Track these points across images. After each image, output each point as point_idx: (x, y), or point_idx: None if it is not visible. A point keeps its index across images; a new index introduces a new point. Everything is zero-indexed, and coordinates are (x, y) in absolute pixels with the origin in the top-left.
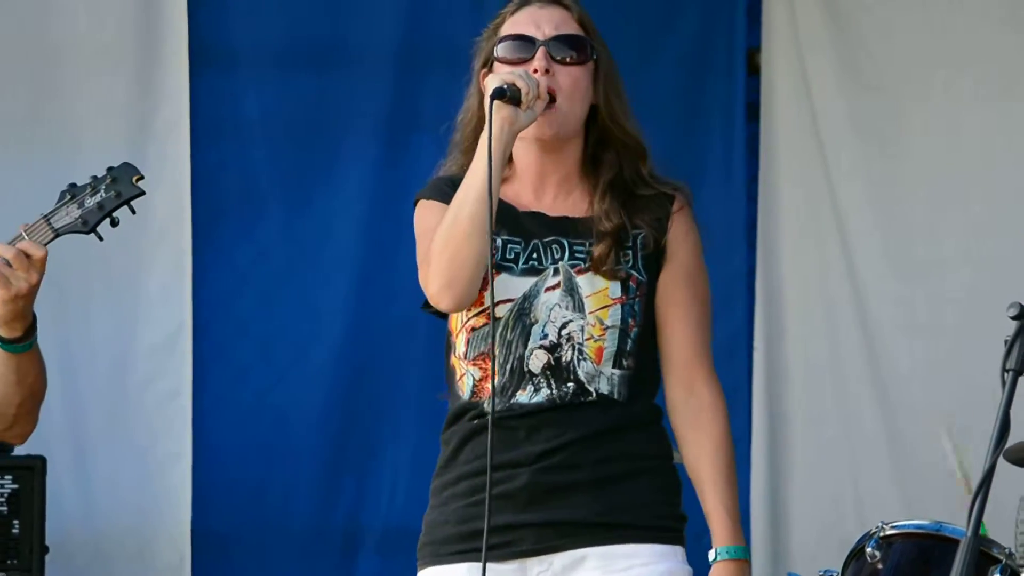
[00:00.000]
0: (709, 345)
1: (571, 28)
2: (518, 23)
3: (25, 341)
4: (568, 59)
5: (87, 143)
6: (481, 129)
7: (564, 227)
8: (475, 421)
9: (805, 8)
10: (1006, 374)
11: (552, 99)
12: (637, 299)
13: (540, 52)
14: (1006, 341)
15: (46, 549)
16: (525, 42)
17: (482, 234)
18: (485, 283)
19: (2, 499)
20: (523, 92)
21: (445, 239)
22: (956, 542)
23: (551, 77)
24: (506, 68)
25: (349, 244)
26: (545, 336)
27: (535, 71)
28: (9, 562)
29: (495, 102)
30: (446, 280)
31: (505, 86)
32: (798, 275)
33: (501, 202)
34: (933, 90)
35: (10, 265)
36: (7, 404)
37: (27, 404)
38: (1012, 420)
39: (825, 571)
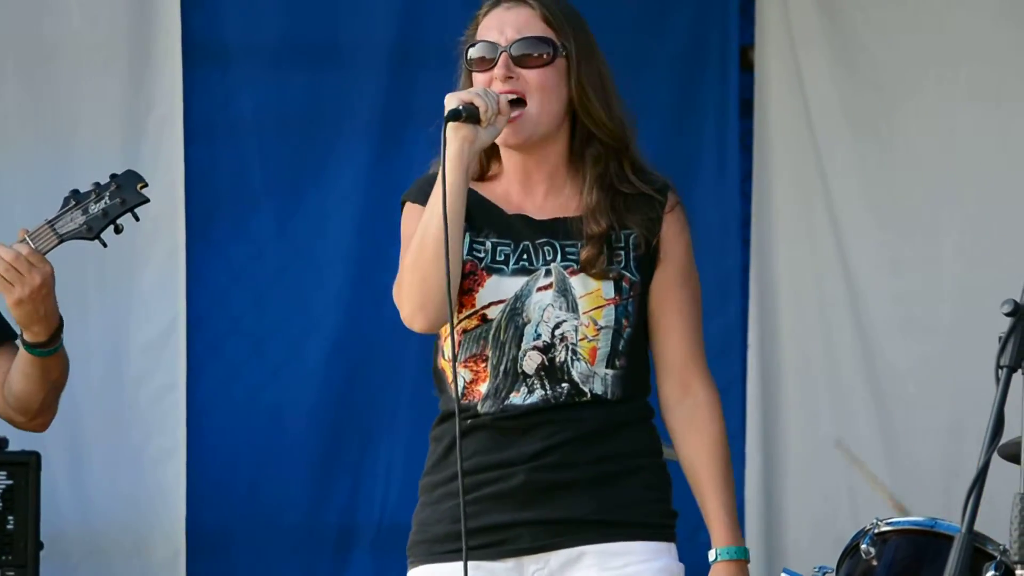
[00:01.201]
0: (703, 345)
1: (534, 29)
2: (486, 27)
3: (50, 347)
4: (531, 61)
5: (80, 141)
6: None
7: (555, 229)
8: (468, 421)
9: (798, 4)
10: (1000, 371)
11: (522, 103)
12: (630, 299)
13: (502, 59)
14: (1000, 338)
15: (41, 545)
16: (490, 47)
17: (454, 255)
18: (476, 283)
19: None
20: (481, 110)
21: (413, 262)
22: (951, 538)
23: (517, 81)
24: (477, 75)
25: (342, 241)
26: (538, 336)
27: (496, 79)
28: (4, 558)
29: (453, 123)
30: (418, 303)
31: (461, 107)
32: (792, 272)
33: (488, 203)
34: (927, 86)
35: (15, 269)
36: (31, 399)
37: (50, 397)
38: (1006, 416)
39: (820, 568)
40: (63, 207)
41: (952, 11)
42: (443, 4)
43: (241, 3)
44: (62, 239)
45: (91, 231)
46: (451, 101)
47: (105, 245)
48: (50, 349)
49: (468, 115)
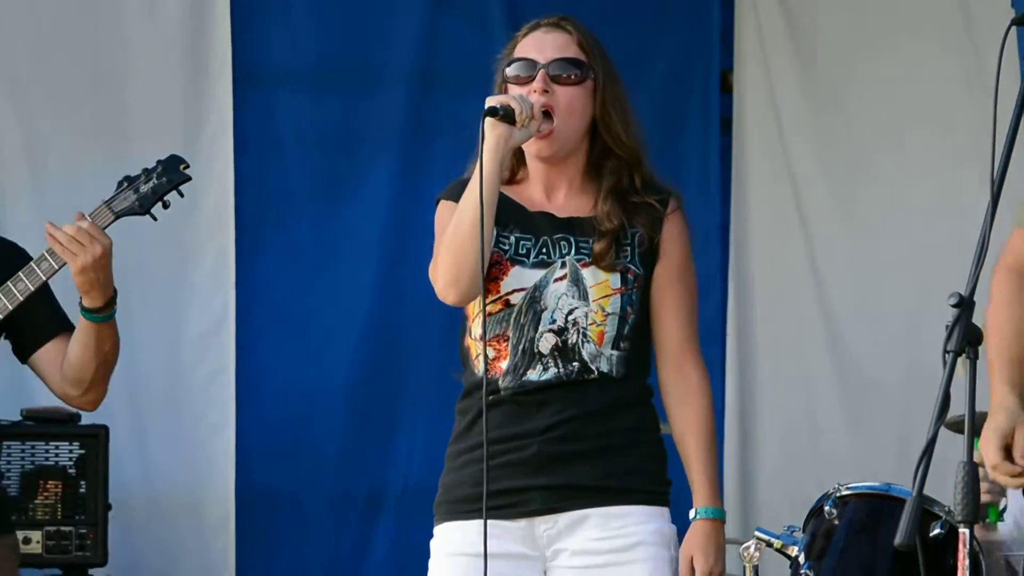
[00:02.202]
0: (697, 333)
1: (570, 52)
2: (526, 47)
3: (104, 312)
4: (565, 79)
5: (144, 154)
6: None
7: (571, 226)
8: (490, 397)
9: (772, 34)
10: (947, 355)
11: (549, 116)
12: (635, 290)
13: (540, 74)
14: (947, 326)
15: (109, 506)
16: (529, 64)
17: (485, 236)
18: (502, 272)
19: (71, 463)
20: (516, 112)
21: (449, 241)
22: (902, 501)
23: (550, 96)
24: (513, 88)
25: (372, 241)
26: (554, 321)
27: (534, 91)
28: (77, 517)
29: (491, 119)
30: (452, 278)
31: (498, 106)
32: (766, 269)
33: (514, 203)
34: (883, 108)
35: (76, 241)
36: (84, 369)
37: (100, 371)
38: (952, 395)
39: (789, 527)
40: (117, 189)
41: (905, 42)
42: (460, 33)
43: (284, 33)
44: (117, 215)
45: (142, 207)
46: (491, 101)
47: (155, 219)
48: (105, 315)
49: (505, 115)
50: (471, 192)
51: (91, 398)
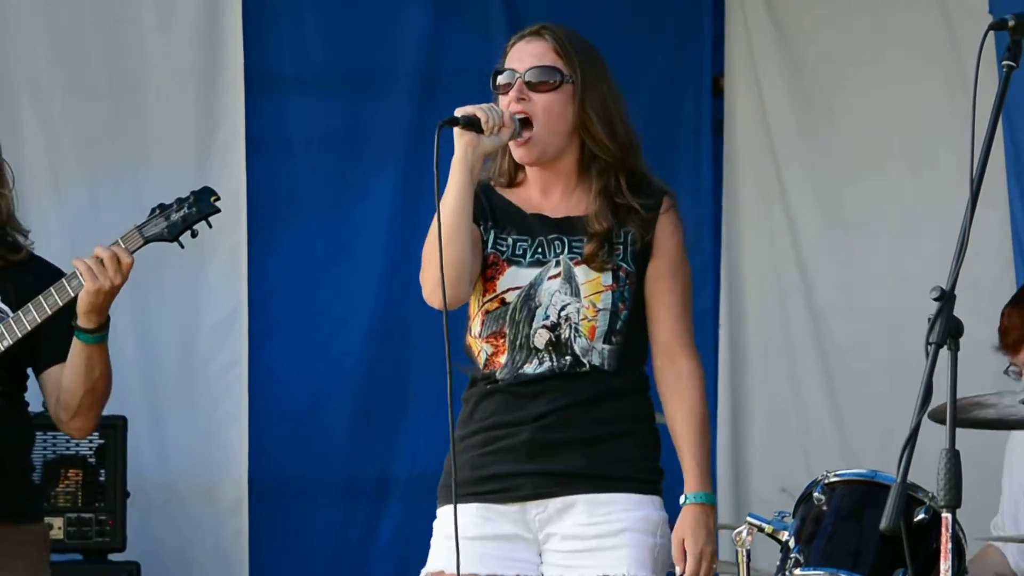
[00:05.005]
0: (690, 325)
1: (546, 60)
2: (510, 57)
3: (97, 333)
4: (542, 86)
5: (161, 155)
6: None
7: (565, 226)
8: (488, 387)
9: (761, 41)
10: (929, 346)
11: (529, 124)
12: (627, 287)
13: (517, 84)
14: (929, 319)
15: (127, 494)
16: (510, 73)
17: (460, 243)
18: (498, 272)
19: (91, 452)
20: (482, 120)
21: (431, 251)
22: (887, 487)
23: (527, 104)
24: (502, 98)
25: (377, 240)
26: (547, 317)
27: (511, 100)
28: (97, 504)
29: (458, 129)
30: (435, 284)
31: (459, 116)
32: (755, 265)
33: (511, 205)
34: (867, 111)
35: (103, 264)
36: (73, 393)
37: (88, 398)
38: (934, 385)
39: (779, 512)
40: (149, 215)
41: (889, 48)
42: (462, 39)
43: (293, 40)
44: (147, 241)
45: (171, 234)
46: (457, 112)
47: (183, 247)
48: (97, 336)
49: (467, 123)
50: (446, 201)
51: (78, 425)
